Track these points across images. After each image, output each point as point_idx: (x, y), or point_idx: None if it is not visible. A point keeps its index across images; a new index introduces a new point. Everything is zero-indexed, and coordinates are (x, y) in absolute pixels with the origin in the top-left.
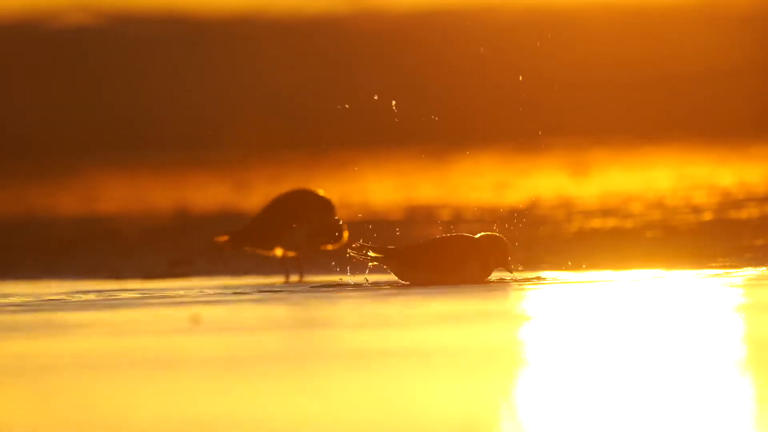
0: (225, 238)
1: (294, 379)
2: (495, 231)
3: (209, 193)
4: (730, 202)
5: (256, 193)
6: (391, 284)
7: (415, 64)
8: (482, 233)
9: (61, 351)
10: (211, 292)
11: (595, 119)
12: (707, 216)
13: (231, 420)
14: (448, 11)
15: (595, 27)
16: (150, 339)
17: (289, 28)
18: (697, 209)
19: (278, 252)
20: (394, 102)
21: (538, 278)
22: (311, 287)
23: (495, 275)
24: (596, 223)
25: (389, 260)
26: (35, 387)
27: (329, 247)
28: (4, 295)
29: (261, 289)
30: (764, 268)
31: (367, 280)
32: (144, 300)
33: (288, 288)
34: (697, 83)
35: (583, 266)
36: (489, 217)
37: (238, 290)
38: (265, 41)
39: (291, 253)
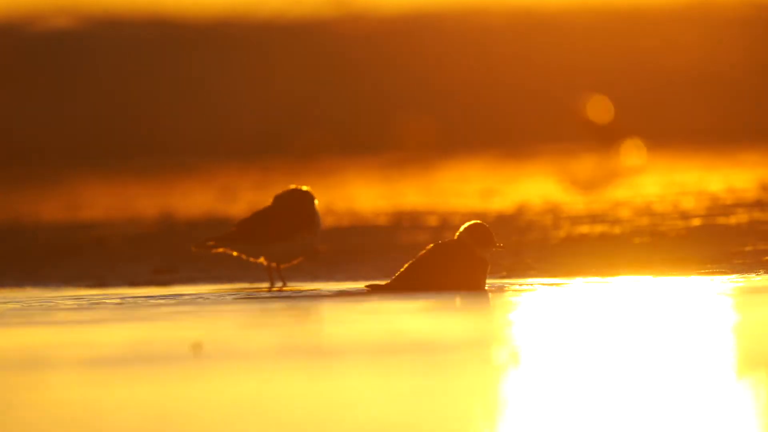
0: (211, 243)
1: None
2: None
3: (194, 200)
4: (718, 207)
5: (241, 199)
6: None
7: (401, 67)
8: (460, 230)
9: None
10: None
11: (583, 125)
12: (696, 222)
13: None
14: (434, 14)
15: (583, 31)
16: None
17: (274, 31)
18: (685, 215)
19: (263, 261)
20: None
21: (526, 284)
22: (298, 294)
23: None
24: (584, 229)
25: (384, 293)
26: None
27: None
28: None
29: (245, 296)
30: (753, 275)
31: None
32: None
33: (273, 294)
34: (686, 88)
35: (571, 272)
36: None
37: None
38: (251, 45)
39: (273, 264)
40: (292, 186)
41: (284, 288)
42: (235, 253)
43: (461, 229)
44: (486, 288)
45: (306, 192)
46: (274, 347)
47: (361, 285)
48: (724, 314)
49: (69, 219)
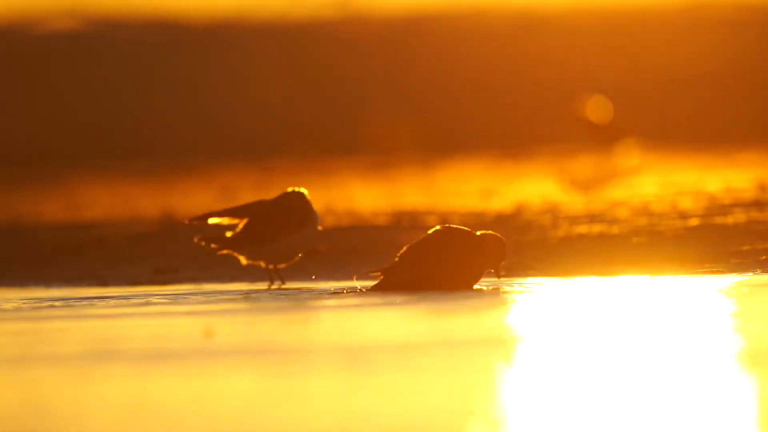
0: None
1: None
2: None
3: (195, 200)
4: (716, 207)
5: (241, 199)
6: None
7: (401, 69)
8: (482, 232)
9: None
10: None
11: (582, 125)
12: (693, 221)
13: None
14: (435, 16)
15: (581, 33)
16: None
17: (276, 33)
18: (683, 215)
19: (261, 264)
20: None
21: (525, 284)
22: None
23: (484, 281)
24: (582, 228)
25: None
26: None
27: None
28: None
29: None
30: (750, 274)
31: (359, 288)
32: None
33: (274, 294)
34: (683, 89)
35: (569, 272)
36: (475, 222)
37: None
38: (252, 46)
39: (272, 266)
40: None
41: (283, 287)
42: (229, 252)
43: (481, 233)
44: (480, 286)
45: (299, 192)
46: (239, 347)
47: (359, 284)
48: (721, 313)
49: (70, 219)
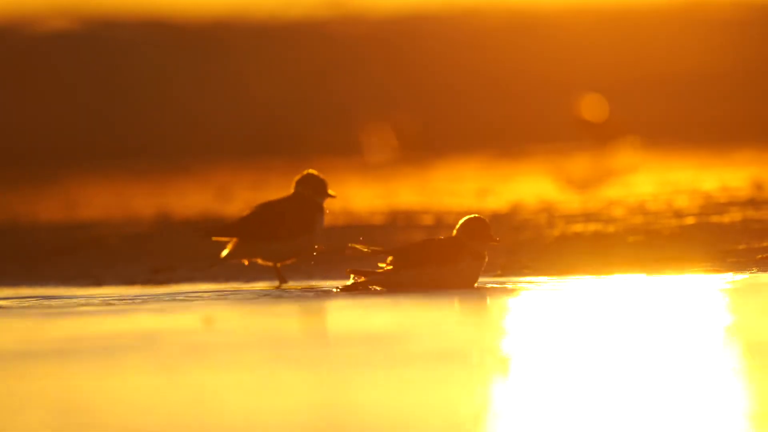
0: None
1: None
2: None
3: (191, 200)
4: (712, 206)
5: (237, 199)
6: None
7: (396, 69)
8: (459, 223)
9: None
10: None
11: (578, 124)
12: (689, 220)
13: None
14: (429, 16)
15: (577, 32)
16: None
17: (270, 32)
18: (679, 213)
19: (259, 261)
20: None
21: (520, 283)
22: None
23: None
24: (578, 227)
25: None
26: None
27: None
28: None
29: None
30: (747, 273)
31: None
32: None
33: (274, 293)
34: (679, 88)
35: (565, 271)
36: None
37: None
38: (246, 46)
39: (270, 264)
40: (307, 173)
41: (282, 286)
42: (228, 250)
43: (459, 224)
44: (476, 285)
45: (313, 199)
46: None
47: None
48: (717, 312)
49: (66, 219)
